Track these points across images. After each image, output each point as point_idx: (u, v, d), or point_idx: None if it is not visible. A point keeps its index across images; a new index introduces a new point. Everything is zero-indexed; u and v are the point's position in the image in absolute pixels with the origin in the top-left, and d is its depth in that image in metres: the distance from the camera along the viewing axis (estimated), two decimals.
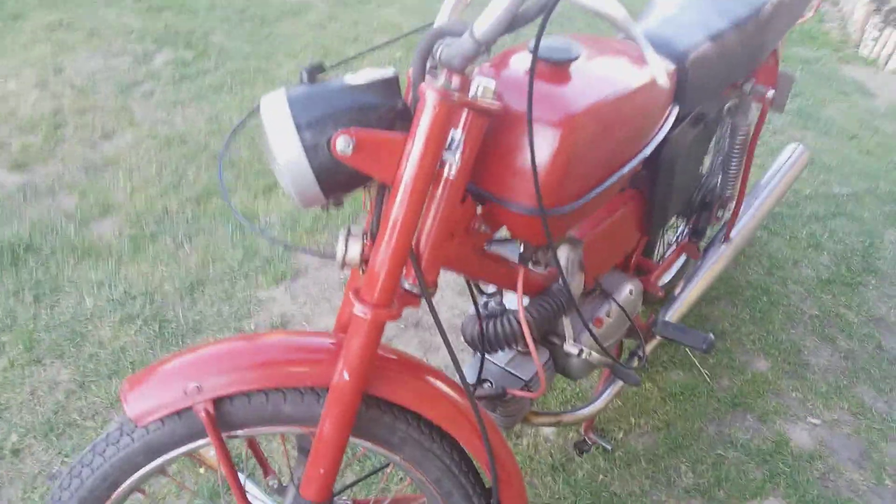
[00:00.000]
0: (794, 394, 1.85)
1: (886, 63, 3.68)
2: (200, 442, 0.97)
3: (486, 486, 1.12)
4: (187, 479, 1.59)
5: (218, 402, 0.93)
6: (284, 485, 1.17)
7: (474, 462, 1.11)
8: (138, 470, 0.97)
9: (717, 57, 1.40)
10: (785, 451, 1.69)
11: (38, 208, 2.38)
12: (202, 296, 2.07)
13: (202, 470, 1.61)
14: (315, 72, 0.91)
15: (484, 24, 0.77)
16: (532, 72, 0.84)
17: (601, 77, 1.09)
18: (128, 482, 0.98)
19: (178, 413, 0.94)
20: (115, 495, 0.98)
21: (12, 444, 1.64)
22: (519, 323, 1.20)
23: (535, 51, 0.84)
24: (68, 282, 2.08)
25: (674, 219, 1.93)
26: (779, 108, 1.99)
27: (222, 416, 0.94)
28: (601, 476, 1.63)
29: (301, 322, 2.01)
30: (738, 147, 1.75)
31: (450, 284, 2.15)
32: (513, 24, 0.79)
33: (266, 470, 1.22)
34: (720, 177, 1.82)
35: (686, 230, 1.90)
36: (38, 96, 3.06)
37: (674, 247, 1.89)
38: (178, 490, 1.56)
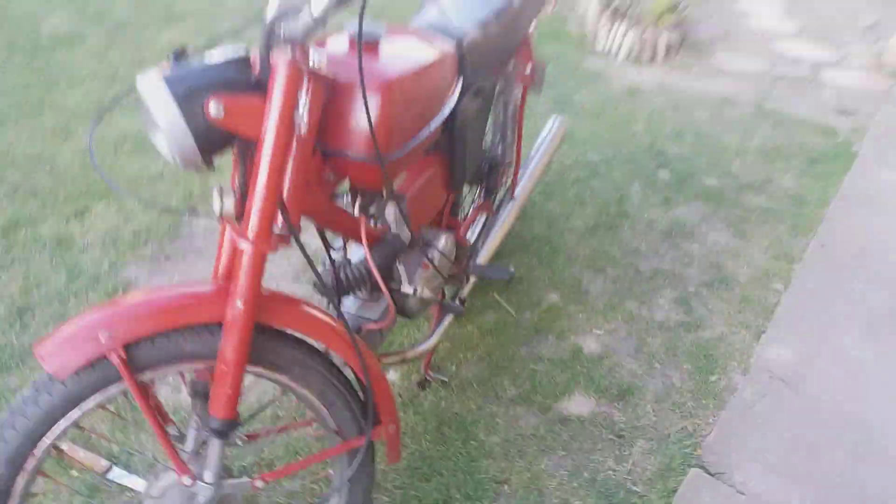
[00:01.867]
0: (580, 315, 2.28)
1: (617, 54, 4.42)
2: (113, 388, 1.11)
3: (361, 400, 1.36)
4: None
5: (126, 348, 1.08)
6: (184, 433, 1.31)
7: (349, 379, 1.34)
8: (57, 423, 1.09)
9: (484, 40, 1.76)
10: (580, 357, 2.11)
11: None
12: (33, 320, 2.07)
13: (75, 472, 1.67)
14: (180, 55, 1.10)
15: (320, 3, 1.02)
16: (360, 44, 1.10)
17: (404, 53, 1.38)
18: (48, 437, 1.09)
19: (92, 363, 1.07)
20: (36, 451, 1.09)
21: None
22: (367, 268, 1.46)
23: (360, 26, 1.10)
24: None
25: (470, 185, 2.29)
26: (537, 89, 2.42)
27: (132, 360, 1.09)
28: (443, 403, 1.92)
29: None
30: (510, 118, 2.14)
31: (286, 275, 2.34)
32: (341, 2, 1.04)
33: (165, 419, 1.35)
34: (500, 145, 2.21)
35: (480, 193, 2.26)
36: None
37: (473, 207, 2.24)
38: (57, 492, 1.61)
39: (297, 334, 1.25)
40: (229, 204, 1.13)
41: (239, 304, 1.10)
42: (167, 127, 1.03)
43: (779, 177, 3.15)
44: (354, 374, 1.34)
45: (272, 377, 1.23)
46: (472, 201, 2.34)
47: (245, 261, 1.10)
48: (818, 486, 1.75)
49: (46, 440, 1.09)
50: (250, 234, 1.09)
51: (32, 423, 1.07)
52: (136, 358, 1.10)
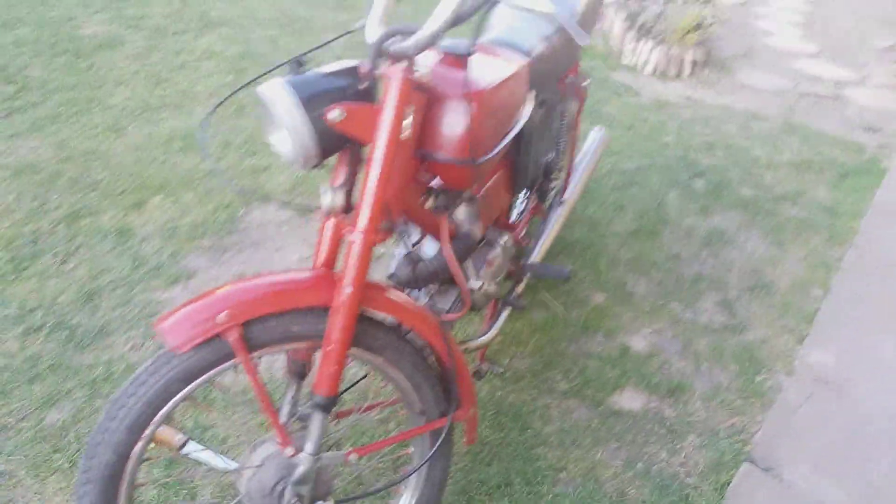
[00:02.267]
0: (626, 315, 2.34)
1: (644, 68, 4.51)
2: (226, 365, 1.17)
3: (442, 384, 1.42)
4: None
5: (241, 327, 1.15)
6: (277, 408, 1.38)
7: (431, 364, 1.41)
8: (176, 395, 1.16)
9: (549, 54, 1.85)
10: (629, 355, 2.17)
11: None
12: (102, 302, 2.14)
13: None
14: (299, 65, 1.19)
15: (437, 21, 1.11)
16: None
17: (489, 66, 1.47)
18: (166, 407, 1.16)
19: (209, 340, 1.14)
20: (155, 420, 1.16)
21: None
22: (442, 262, 1.54)
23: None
24: None
25: (525, 190, 2.37)
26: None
27: (245, 339, 1.16)
28: (498, 393, 1.99)
29: None
30: (565, 127, 2.22)
31: None
32: (455, 21, 1.13)
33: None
34: (555, 153, 2.28)
35: (532, 196, 2.33)
36: None
37: (525, 208, 2.31)
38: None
39: (390, 319, 1.32)
40: (339, 199, 1.22)
41: (348, 289, 1.17)
42: (293, 128, 1.12)
43: (811, 189, 3.22)
44: (437, 359, 1.41)
45: (369, 358, 1.30)
46: (522, 204, 2.41)
47: (355, 251, 1.17)
48: (865, 485, 1.80)
49: (164, 410, 1.16)
50: (360, 226, 1.17)
51: (153, 394, 1.14)
52: (250, 337, 1.16)
